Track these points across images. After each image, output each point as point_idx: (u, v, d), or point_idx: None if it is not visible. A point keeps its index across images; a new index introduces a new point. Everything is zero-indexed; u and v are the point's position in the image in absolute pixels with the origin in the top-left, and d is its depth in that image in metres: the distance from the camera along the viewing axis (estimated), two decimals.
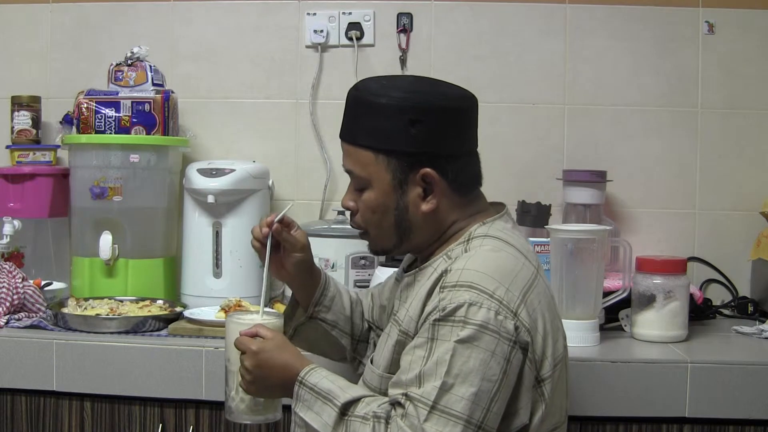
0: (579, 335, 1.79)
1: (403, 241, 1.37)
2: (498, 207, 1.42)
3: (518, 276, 1.26)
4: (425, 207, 1.32)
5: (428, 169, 1.30)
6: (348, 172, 1.37)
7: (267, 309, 1.47)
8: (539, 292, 1.29)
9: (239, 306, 1.90)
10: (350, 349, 1.56)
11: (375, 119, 1.31)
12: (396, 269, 1.58)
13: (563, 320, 1.78)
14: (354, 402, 1.25)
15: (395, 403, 1.22)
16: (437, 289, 1.25)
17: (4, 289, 1.89)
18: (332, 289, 1.53)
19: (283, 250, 1.45)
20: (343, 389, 1.27)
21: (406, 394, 1.20)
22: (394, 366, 1.30)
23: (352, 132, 1.35)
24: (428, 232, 1.36)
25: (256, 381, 1.33)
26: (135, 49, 2.20)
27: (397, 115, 1.29)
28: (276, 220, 1.42)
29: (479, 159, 1.39)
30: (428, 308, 1.24)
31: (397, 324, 1.34)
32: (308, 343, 1.55)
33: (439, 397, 1.18)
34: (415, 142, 1.30)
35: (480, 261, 1.26)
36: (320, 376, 1.29)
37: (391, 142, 1.31)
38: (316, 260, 1.65)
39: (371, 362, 1.40)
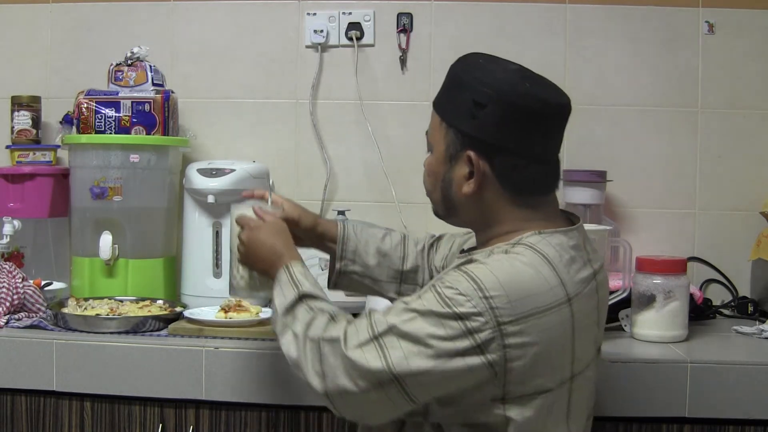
0: None
1: (450, 213, 1.39)
2: (564, 220, 1.37)
3: (532, 297, 1.22)
4: (465, 189, 1.32)
5: (472, 153, 1.30)
6: (426, 132, 1.41)
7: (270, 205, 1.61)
8: (550, 322, 1.23)
9: (239, 306, 1.90)
10: (394, 292, 1.63)
11: (452, 91, 1.35)
12: None
13: None
14: (315, 297, 1.36)
15: (357, 317, 1.29)
16: (452, 267, 1.28)
17: (4, 289, 1.89)
18: (353, 242, 1.62)
19: None
20: (313, 286, 1.39)
21: (371, 315, 1.27)
22: None
23: (437, 96, 1.38)
24: (472, 216, 1.36)
25: (248, 253, 1.50)
26: (135, 49, 2.20)
27: (467, 94, 1.30)
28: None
29: (553, 169, 1.35)
30: (436, 276, 1.29)
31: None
32: (350, 290, 1.69)
33: (385, 333, 1.22)
34: (474, 124, 1.30)
35: (503, 267, 1.24)
36: (303, 270, 1.42)
37: (454, 117, 1.32)
38: (315, 260, 1.68)
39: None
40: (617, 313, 1.94)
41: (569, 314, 1.26)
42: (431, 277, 1.62)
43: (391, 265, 1.64)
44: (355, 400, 1.24)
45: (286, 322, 1.35)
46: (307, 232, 1.62)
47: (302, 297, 1.36)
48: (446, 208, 1.39)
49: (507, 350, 1.21)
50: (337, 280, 1.65)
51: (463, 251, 1.43)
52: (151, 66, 2.20)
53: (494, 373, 1.22)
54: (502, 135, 1.29)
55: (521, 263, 1.25)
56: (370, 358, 1.22)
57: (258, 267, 1.50)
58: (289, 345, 1.33)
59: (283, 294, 1.38)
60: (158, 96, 2.13)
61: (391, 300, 1.62)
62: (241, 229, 1.52)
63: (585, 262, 1.32)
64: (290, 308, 1.36)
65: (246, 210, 1.57)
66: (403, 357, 1.20)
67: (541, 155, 1.33)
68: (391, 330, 1.22)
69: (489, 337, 1.20)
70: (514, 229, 1.32)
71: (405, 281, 1.64)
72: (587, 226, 1.93)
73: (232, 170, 2.08)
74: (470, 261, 1.27)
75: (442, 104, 1.36)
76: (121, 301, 2.00)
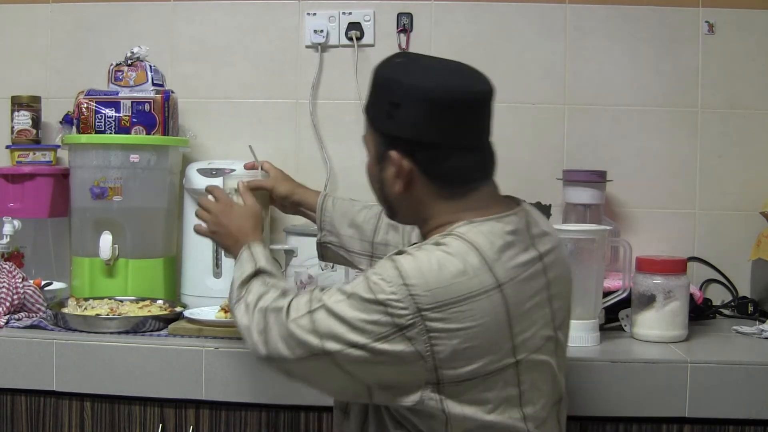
0: (579, 335, 1.79)
1: (392, 213, 1.45)
2: (503, 206, 1.37)
3: (455, 285, 1.24)
4: (396, 188, 1.36)
5: (394, 153, 1.33)
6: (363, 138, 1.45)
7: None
8: (480, 307, 1.25)
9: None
10: (366, 265, 1.69)
11: (372, 94, 1.38)
12: None
13: None
14: (269, 274, 1.45)
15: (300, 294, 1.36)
16: (387, 256, 1.32)
17: (4, 289, 1.89)
18: (329, 213, 1.72)
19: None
20: (271, 265, 1.48)
21: (312, 293, 1.33)
22: None
23: (366, 101, 1.41)
24: (408, 213, 1.41)
25: (217, 228, 1.61)
26: (135, 49, 2.20)
27: (383, 95, 1.34)
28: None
29: (483, 156, 1.37)
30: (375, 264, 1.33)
31: None
32: (333, 260, 1.79)
33: (316, 312, 1.29)
34: (392, 124, 1.33)
35: (428, 257, 1.27)
36: (262, 249, 1.52)
37: (376, 119, 1.37)
38: (316, 260, 1.72)
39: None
40: (617, 313, 1.94)
41: (501, 299, 1.27)
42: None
43: (363, 237, 1.70)
44: (293, 367, 1.32)
45: (240, 294, 1.44)
46: (282, 200, 1.75)
47: (258, 272, 1.46)
48: (387, 208, 1.44)
49: (431, 336, 1.24)
50: (320, 251, 1.76)
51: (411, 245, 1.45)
52: (151, 66, 2.20)
53: (421, 358, 1.24)
54: (419, 131, 1.31)
55: (445, 253, 1.28)
56: (305, 332, 1.29)
57: (223, 242, 1.61)
58: (241, 315, 1.41)
59: (241, 268, 1.48)
60: (158, 96, 2.13)
61: None
62: (214, 199, 1.64)
63: (527, 245, 1.33)
64: (246, 281, 1.45)
65: (231, 183, 1.71)
66: (329, 332, 1.27)
67: (464, 144, 1.34)
68: (323, 308, 1.29)
69: (409, 322, 1.23)
70: (448, 221, 1.35)
71: (376, 254, 1.69)
72: (587, 226, 1.95)
73: (232, 170, 2.08)
74: (401, 252, 1.30)
75: (367, 108, 1.40)
76: (121, 301, 2.00)
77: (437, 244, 1.30)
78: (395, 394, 1.29)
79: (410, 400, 1.28)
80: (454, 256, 1.27)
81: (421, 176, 1.34)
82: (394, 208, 1.42)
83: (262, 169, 1.77)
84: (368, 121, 1.39)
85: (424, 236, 1.39)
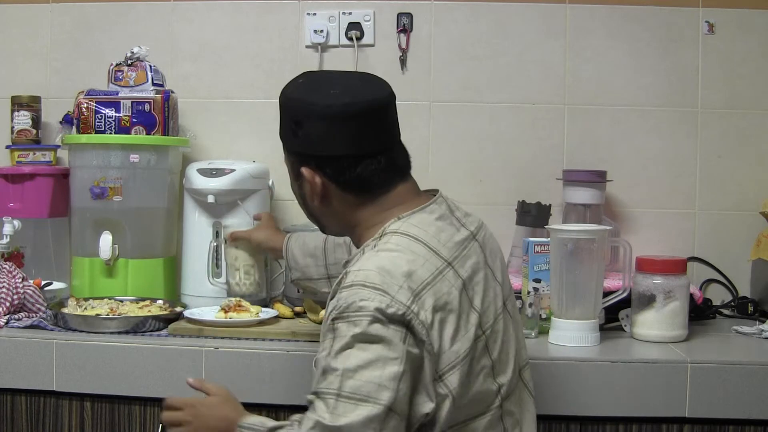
0: (579, 335, 1.79)
1: (321, 227, 1.50)
2: (423, 198, 1.42)
3: (414, 275, 1.28)
4: (315, 202, 1.41)
5: (305, 169, 1.39)
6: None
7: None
8: (442, 289, 1.29)
9: (239, 306, 1.90)
10: (327, 289, 1.75)
11: (281, 117, 1.44)
12: None
13: (563, 320, 1.81)
14: (279, 427, 1.32)
15: (309, 404, 1.26)
16: (338, 291, 1.30)
17: (4, 289, 1.89)
18: (290, 252, 1.83)
19: None
20: (270, 421, 1.35)
21: (315, 392, 1.25)
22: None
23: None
24: (334, 224, 1.46)
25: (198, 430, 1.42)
26: (135, 49, 2.20)
27: (288, 116, 1.42)
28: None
29: (393, 157, 1.41)
30: (328, 309, 1.30)
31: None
32: (307, 293, 1.90)
33: (343, 384, 1.21)
34: (299, 142, 1.40)
35: (375, 261, 1.29)
36: (255, 417, 1.37)
37: (286, 141, 1.44)
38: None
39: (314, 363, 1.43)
40: (617, 313, 1.94)
41: (454, 275, 1.32)
42: None
43: (318, 263, 1.81)
44: None
45: None
46: (259, 248, 1.95)
47: (270, 430, 1.33)
48: (316, 223, 1.50)
49: (424, 325, 1.25)
50: (297, 289, 1.92)
51: (346, 261, 1.47)
52: (151, 66, 2.20)
53: (430, 350, 1.26)
54: (322, 145, 1.37)
55: (390, 251, 1.31)
56: (353, 413, 1.20)
57: None
58: None
59: None
60: (158, 96, 2.13)
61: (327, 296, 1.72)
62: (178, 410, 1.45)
63: (457, 227, 1.40)
64: None
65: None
66: (377, 385, 1.21)
67: (369, 151, 1.38)
68: (344, 377, 1.21)
69: (405, 320, 1.24)
70: (375, 222, 1.39)
71: (331, 274, 1.79)
72: (587, 226, 1.95)
73: (232, 170, 2.08)
74: (345, 275, 1.30)
75: (280, 132, 1.45)
76: (121, 301, 2.00)
77: (376, 246, 1.34)
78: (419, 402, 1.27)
79: (419, 412, 1.26)
80: (400, 251, 1.31)
81: (334, 188, 1.39)
82: (321, 222, 1.49)
83: (256, 219, 2.01)
84: (282, 143, 1.45)
85: (357, 243, 1.43)
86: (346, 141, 1.37)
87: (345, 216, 1.42)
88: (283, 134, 1.44)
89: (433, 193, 1.45)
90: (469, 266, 1.36)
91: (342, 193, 1.39)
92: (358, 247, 1.43)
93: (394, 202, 1.40)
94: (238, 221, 2.05)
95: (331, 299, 1.32)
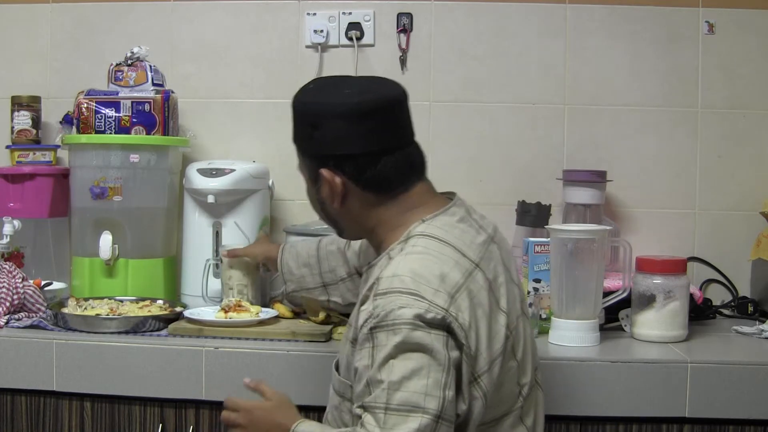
0: (579, 335, 1.79)
1: (341, 231, 1.48)
2: (442, 200, 1.42)
3: (447, 277, 1.27)
4: (335, 204, 1.40)
5: (324, 170, 1.37)
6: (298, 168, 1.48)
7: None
8: (474, 290, 1.30)
9: (239, 306, 1.90)
10: (325, 297, 1.78)
11: (295, 122, 1.43)
12: None
13: (563, 320, 1.81)
14: None
15: (357, 417, 1.25)
16: (371, 297, 1.29)
17: (4, 289, 1.89)
18: (285, 264, 1.81)
19: None
20: (324, 430, 1.35)
21: (361, 405, 1.24)
22: (351, 371, 1.33)
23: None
24: (355, 227, 1.44)
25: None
26: (135, 49, 2.20)
27: (303, 120, 1.41)
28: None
29: (410, 155, 1.40)
30: (363, 317, 1.28)
31: (350, 327, 1.39)
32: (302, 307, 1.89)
33: (390, 397, 1.20)
34: (315, 144, 1.39)
35: (408, 266, 1.28)
36: (308, 424, 1.36)
37: (302, 144, 1.42)
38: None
39: (335, 367, 1.44)
40: (617, 313, 1.94)
41: (483, 276, 1.33)
42: (354, 271, 1.72)
43: (313, 272, 1.77)
44: None
45: None
46: (255, 263, 1.95)
47: None
48: (335, 227, 1.48)
49: (463, 327, 1.25)
50: (291, 302, 1.90)
51: (369, 265, 1.45)
52: (151, 66, 2.20)
53: (468, 353, 1.25)
54: (340, 144, 1.37)
55: (420, 253, 1.30)
56: (404, 424, 1.20)
57: None
58: None
59: None
60: (158, 96, 2.13)
61: (326, 304, 1.81)
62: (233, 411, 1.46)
63: (477, 229, 1.40)
64: None
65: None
66: (424, 395, 1.20)
67: (386, 148, 1.38)
68: (390, 389, 1.21)
69: (445, 324, 1.23)
70: (397, 223, 1.38)
71: (326, 282, 1.77)
72: (587, 226, 1.95)
73: (232, 170, 2.08)
74: (377, 281, 1.29)
75: (294, 137, 1.44)
76: (121, 301, 2.00)
77: (403, 250, 1.33)
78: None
79: (462, 408, 1.27)
80: (429, 254, 1.30)
81: (354, 188, 1.38)
82: (340, 226, 1.47)
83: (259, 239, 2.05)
84: (297, 149, 1.44)
85: (378, 248, 1.42)
86: (364, 138, 1.36)
87: (365, 217, 1.40)
88: (299, 139, 1.42)
89: (449, 195, 1.45)
90: (492, 268, 1.36)
91: (362, 193, 1.38)
92: (378, 250, 1.42)
93: (414, 202, 1.39)
94: (236, 241, 2.05)
95: (362, 304, 1.31)
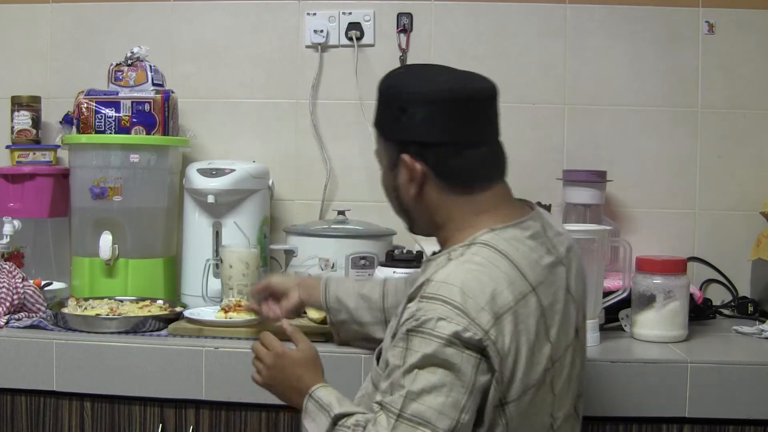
0: None
1: (411, 223, 1.43)
2: (518, 209, 1.38)
3: (497, 296, 1.23)
4: (411, 192, 1.36)
5: (406, 156, 1.33)
6: (375, 152, 1.44)
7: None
8: (522, 315, 1.25)
9: (239, 306, 1.90)
10: (382, 333, 1.61)
11: (379, 106, 1.38)
12: (395, 269, 1.60)
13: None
14: (347, 415, 1.30)
15: (375, 409, 1.25)
16: (417, 297, 1.26)
17: (4, 289, 1.89)
18: (333, 292, 1.68)
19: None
20: (340, 403, 1.34)
21: (380, 402, 1.24)
22: (385, 362, 1.31)
23: (374, 115, 1.41)
24: (425, 219, 1.39)
25: (273, 381, 1.47)
26: (135, 49, 2.20)
27: (390, 103, 1.35)
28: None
29: (493, 153, 1.37)
30: (406, 315, 1.26)
31: (395, 319, 1.36)
32: (348, 340, 1.72)
33: (406, 405, 1.20)
34: (401, 128, 1.34)
35: (461, 276, 1.25)
36: (327, 392, 1.37)
37: (385, 128, 1.38)
38: (315, 260, 1.70)
39: (375, 357, 1.43)
40: (617, 313, 1.94)
41: (536, 302, 1.28)
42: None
43: (372, 306, 1.67)
44: None
45: None
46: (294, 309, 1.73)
47: (335, 420, 1.32)
48: (406, 218, 1.43)
49: (498, 351, 1.21)
50: (338, 333, 1.72)
51: (434, 253, 1.42)
52: (151, 66, 2.20)
53: (499, 378, 1.22)
54: (427, 131, 1.32)
55: (477, 264, 1.26)
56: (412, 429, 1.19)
57: (281, 395, 1.48)
58: None
59: (315, 422, 1.36)
60: (158, 96, 2.13)
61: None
62: (262, 349, 1.49)
63: (547, 249, 1.34)
64: None
65: (226, 256, 1.92)
66: (438, 412, 1.19)
67: (472, 140, 1.34)
68: (407, 398, 1.20)
69: (480, 345, 1.20)
70: (467, 224, 1.34)
71: (389, 319, 1.61)
72: (587, 226, 1.94)
73: (232, 170, 2.08)
74: (426, 282, 1.26)
75: (376, 121, 1.40)
76: (121, 301, 2.00)
77: (463, 255, 1.29)
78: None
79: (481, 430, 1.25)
80: (487, 266, 1.26)
81: (433, 177, 1.34)
82: (411, 217, 1.41)
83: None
84: (378, 132, 1.39)
85: (443, 243, 1.38)
86: (450, 127, 1.32)
87: (437, 210, 1.36)
88: (382, 123, 1.38)
89: (529, 204, 1.42)
90: (551, 293, 1.31)
91: (440, 184, 1.34)
92: (442, 245, 1.38)
93: (489, 204, 1.35)
94: (236, 242, 2.03)
95: (410, 301, 1.28)
